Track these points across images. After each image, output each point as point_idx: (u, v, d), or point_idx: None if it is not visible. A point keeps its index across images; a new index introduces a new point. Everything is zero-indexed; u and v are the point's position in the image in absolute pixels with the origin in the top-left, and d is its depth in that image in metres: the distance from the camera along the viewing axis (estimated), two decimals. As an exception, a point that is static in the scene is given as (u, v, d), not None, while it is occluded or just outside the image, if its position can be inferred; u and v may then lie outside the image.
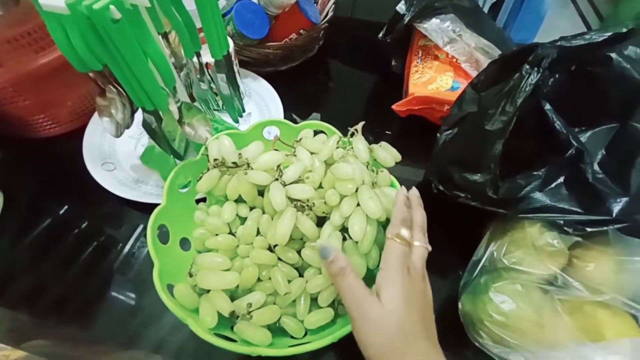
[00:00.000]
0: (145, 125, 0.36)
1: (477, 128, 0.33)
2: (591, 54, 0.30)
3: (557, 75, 0.31)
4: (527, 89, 0.31)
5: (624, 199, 0.30)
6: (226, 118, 0.47)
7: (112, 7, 0.23)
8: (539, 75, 0.31)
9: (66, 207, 0.45)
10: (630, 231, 0.31)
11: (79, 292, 0.38)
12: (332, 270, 0.25)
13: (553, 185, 0.33)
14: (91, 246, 0.41)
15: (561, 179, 0.33)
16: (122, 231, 0.42)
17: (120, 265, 0.40)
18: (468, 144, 0.36)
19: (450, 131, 0.38)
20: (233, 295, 0.31)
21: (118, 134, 0.38)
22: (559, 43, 0.31)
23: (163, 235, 0.32)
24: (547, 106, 0.32)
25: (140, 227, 0.43)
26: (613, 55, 0.29)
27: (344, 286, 0.25)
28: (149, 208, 0.40)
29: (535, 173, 0.34)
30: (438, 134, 0.39)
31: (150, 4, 0.26)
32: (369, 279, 0.31)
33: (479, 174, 0.34)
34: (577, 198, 0.32)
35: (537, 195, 0.33)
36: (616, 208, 0.30)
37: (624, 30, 0.29)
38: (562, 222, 0.31)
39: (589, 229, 0.31)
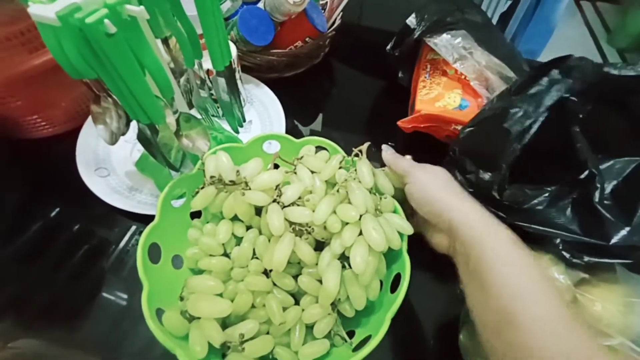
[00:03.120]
0: (140, 136, 0.34)
1: (497, 126, 0.33)
2: (631, 84, 0.29)
3: (594, 104, 0.31)
4: (553, 94, 0.31)
5: (626, 228, 0.29)
6: (226, 125, 0.46)
7: (106, 21, 0.21)
8: (567, 83, 0.31)
9: (57, 210, 0.43)
10: (635, 268, 0.31)
11: (69, 295, 0.37)
12: (390, 158, 0.34)
13: (560, 204, 0.33)
14: (82, 250, 0.40)
15: (569, 200, 0.32)
16: (113, 234, 0.41)
17: (111, 267, 0.39)
18: (487, 140, 0.36)
19: (472, 128, 0.37)
20: (225, 321, 0.29)
21: (112, 142, 0.36)
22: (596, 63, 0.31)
23: (154, 252, 0.31)
24: (576, 128, 0.31)
25: (133, 227, 0.41)
26: None
27: (406, 163, 0.33)
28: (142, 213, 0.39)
29: (545, 188, 0.34)
30: (460, 129, 0.38)
31: (149, 16, 0.25)
32: (369, 309, 0.30)
33: (489, 173, 0.34)
34: (579, 221, 0.31)
35: (542, 209, 0.33)
36: (615, 236, 0.29)
37: None
38: (558, 240, 0.31)
39: (586, 257, 0.31)
